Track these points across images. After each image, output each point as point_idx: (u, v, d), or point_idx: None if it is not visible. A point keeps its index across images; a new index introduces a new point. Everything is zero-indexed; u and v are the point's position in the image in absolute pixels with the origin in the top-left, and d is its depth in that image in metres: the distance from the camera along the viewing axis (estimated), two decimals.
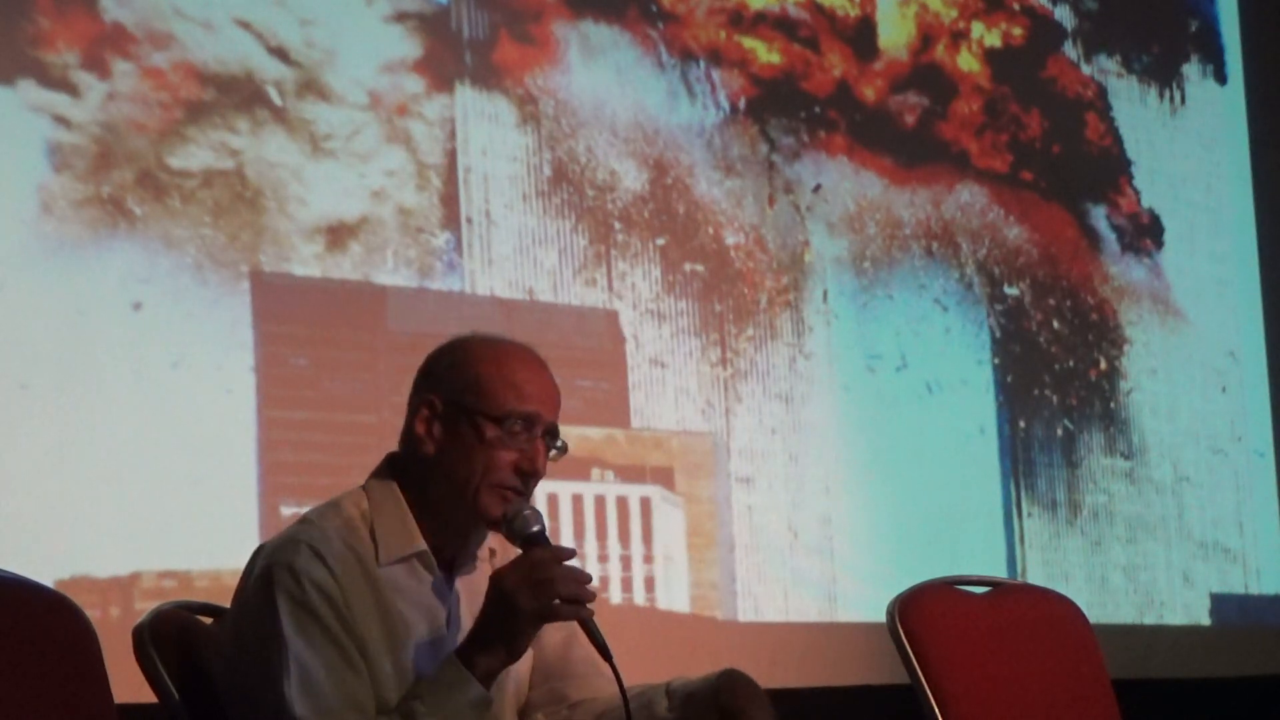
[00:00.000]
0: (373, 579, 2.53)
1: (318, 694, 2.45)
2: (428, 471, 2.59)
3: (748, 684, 2.57)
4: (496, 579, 2.47)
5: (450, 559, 2.63)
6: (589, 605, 2.49)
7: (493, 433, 2.56)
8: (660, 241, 5.07)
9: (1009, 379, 5.73)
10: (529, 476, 2.58)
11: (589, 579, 2.49)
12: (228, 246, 4.33)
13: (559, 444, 2.62)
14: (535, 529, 2.54)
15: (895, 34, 5.68)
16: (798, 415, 5.26)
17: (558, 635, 2.71)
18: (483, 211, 4.76)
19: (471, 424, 2.56)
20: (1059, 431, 5.83)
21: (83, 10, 4.21)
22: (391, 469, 2.63)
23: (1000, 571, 5.53)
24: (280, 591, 2.48)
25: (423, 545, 2.58)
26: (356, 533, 2.56)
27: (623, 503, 4.89)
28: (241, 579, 2.58)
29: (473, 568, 2.64)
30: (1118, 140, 6.15)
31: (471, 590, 2.58)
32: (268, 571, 2.51)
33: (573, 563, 2.50)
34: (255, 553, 2.58)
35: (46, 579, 3.03)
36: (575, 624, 2.55)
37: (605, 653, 2.51)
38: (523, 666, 2.68)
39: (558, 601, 2.46)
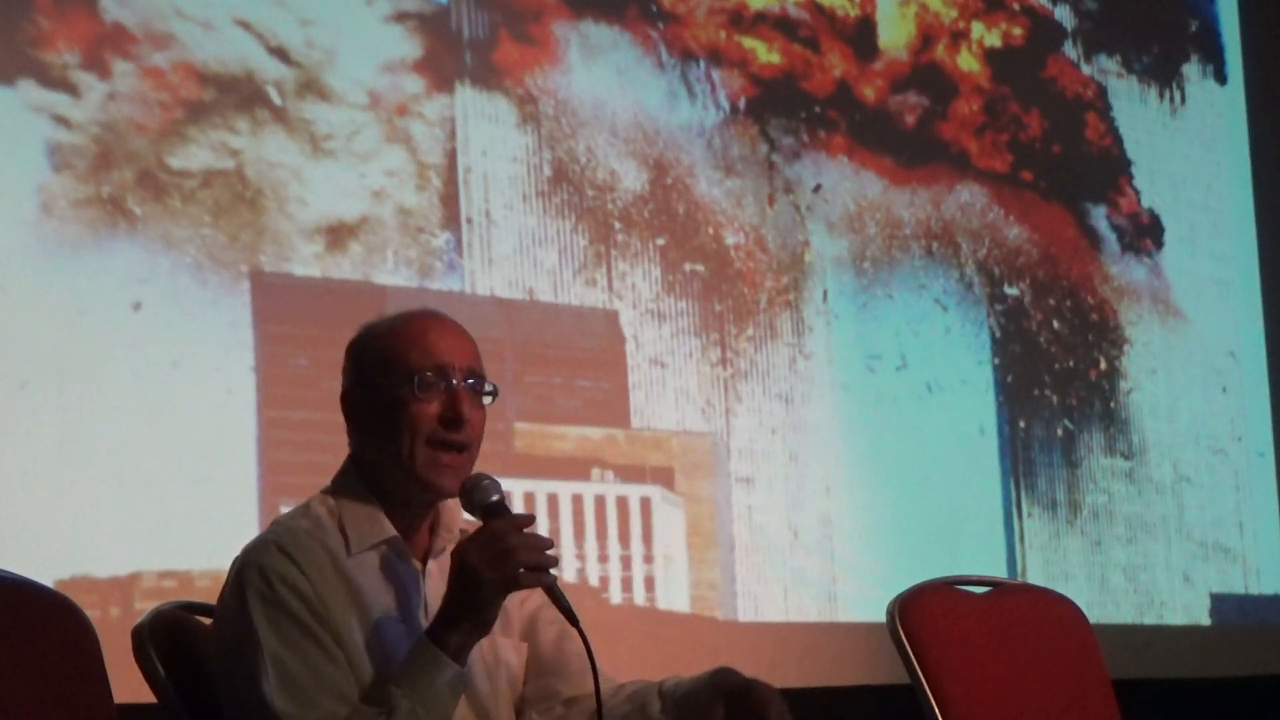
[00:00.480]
0: (343, 571, 2.55)
1: (297, 688, 2.46)
2: (371, 456, 2.61)
3: (737, 674, 2.58)
4: (459, 553, 2.48)
5: (422, 545, 2.64)
6: (552, 571, 2.49)
7: (406, 392, 2.57)
8: (660, 241, 5.07)
9: (1009, 379, 5.73)
10: (455, 423, 2.57)
11: (550, 544, 2.50)
12: (228, 246, 4.33)
13: (488, 388, 2.62)
14: (494, 499, 2.54)
15: (895, 34, 5.68)
16: (798, 415, 5.26)
17: (551, 631, 2.71)
18: (483, 211, 4.76)
19: (386, 394, 2.58)
20: (1059, 431, 5.83)
21: (83, 10, 4.21)
22: (354, 466, 2.65)
23: (1000, 571, 5.53)
24: (251, 592, 2.51)
25: (392, 531, 2.60)
26: (325, 528, 2.58)
27: (623, 503, 4.89)
28: (223, 586, 2.60)
29: (442, 550, 2.64)
30: (1118, 140, 6.15)
31: (444, 573, 2.58)
32: (239, 574, 2.54)
33: (533, 529, 2.51)
34: (234, 560, 2.60)
35: (46, 579, 3.03)
36: (570, 623, 2.54)
37: (572, 618, 2.52)
38: (516, 661, 2.69)
39: (521, 570, 2.46)
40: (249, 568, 2.53)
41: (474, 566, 2.45)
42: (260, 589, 2.50)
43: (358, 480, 2.63)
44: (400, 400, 2.57)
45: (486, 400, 2.63)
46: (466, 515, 2.66)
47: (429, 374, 2.57)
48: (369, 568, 2.58)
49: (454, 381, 2.59)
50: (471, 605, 2.47)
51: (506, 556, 2.45)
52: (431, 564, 2.63)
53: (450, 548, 2.62)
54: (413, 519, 2.63)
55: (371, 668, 2.52)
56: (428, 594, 2.60)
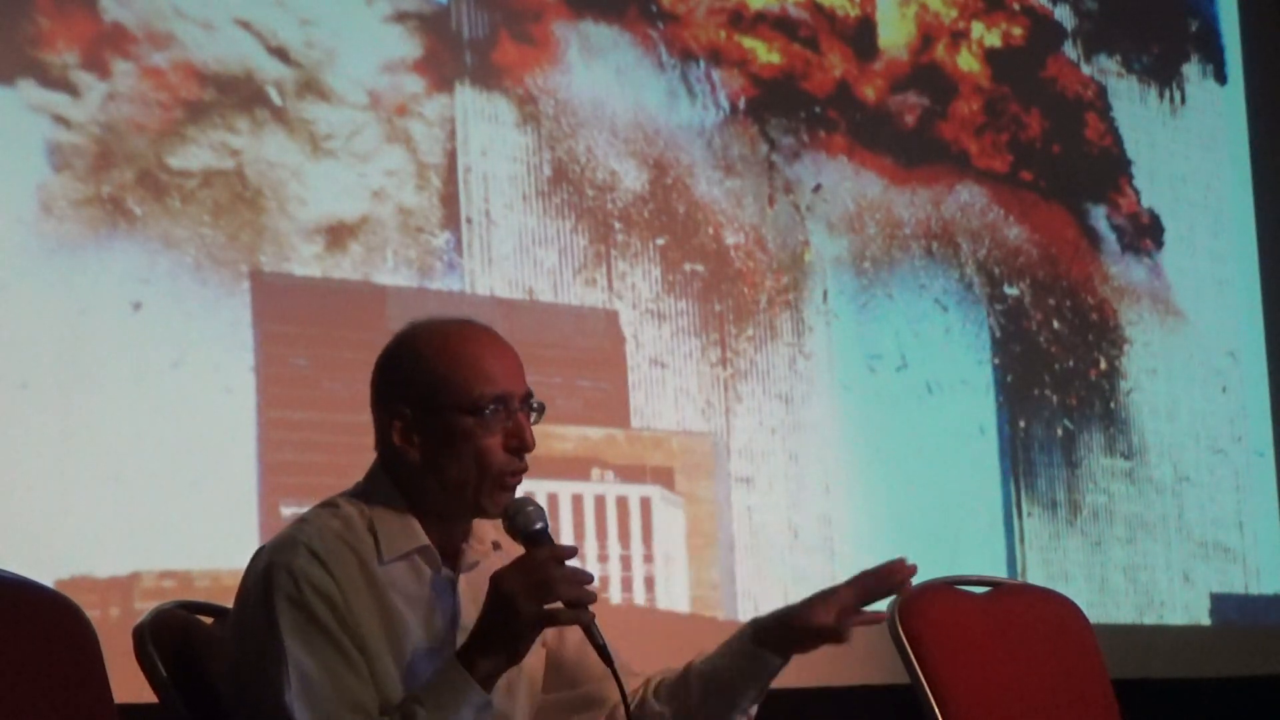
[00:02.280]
0: (373, 578, 2.51)
1: (318, 698, 2.43)
2: (419, 478, 2.55)
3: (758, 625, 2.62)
4: (496, 580, 2.43)
5: (453, 554, 2.60)
6: (590, 608, 2.45)
7: (472, 423, 2.52)
8: (660, 241, 5.07)
9: (1009, 379, 5.73)
10: (522, 452, 2.56)
11: (590, 579, 2.45)
12: (228, 246, 4.33)
13: (536, 405, 2.60)
14: (538, 526, 2.50)
15: (895, 34, 5.68)
16: (798, 415, 5.26)
17: (574, 636, 2.68)
18: (483, 211, 4.76)
19: (449, 422, 2.53)
20: (1059, 431, 5.83)
21: (83, 10, 4.20)
22: (386, 469, 2.60)
23: (1000, 571, 5.53)
24: (279, 594, 2.46)
25: (425, 540, 2.55)
26: (355, 532, 2.53)
27: (623, 503, 4.89)
28: (242, 581, 2.56)
29: (475, 562, 2.60)
30: (1118, 140, 6.15)
31: (474, 585, 2.55)
32: (266, 574, 2.48)
33: (574, 562, 2.46)
34: (256, 554, 2.56)
35: (46, 579, 3.02)
36: (604, 663, 2.50)
37: (606, 656, 2.48)
38: (535, 667, 2.66)
39: (559, 604, 2.42)
40: (277, 568, 2.47)
41: (511, 595, 2.41)
42: (289, 592, 2.45)
43: (391, 487, 2.57)
44: (464, 430, 2.52)
45: (533, 418, 2.60)
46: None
47: (494, 405, 2.54)
48: (399, 576, 2.53)
49: (516, 409, 2.56)
50: (505, 635, 2.42)
51: (545, 589, 2.41)
52: (462, 577, 2.59)
53: (482, 561, 2.59)
54: (448, 531, 2.59)
55: (396, 678, 2.49)
56: (456, 607, 2.56)
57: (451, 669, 2.44)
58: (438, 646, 2.52)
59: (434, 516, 2.57)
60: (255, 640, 2.48)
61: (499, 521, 2.59)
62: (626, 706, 2.53)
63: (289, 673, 2.43)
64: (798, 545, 5.20)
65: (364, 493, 2.59)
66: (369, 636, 2.48)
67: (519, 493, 2.60)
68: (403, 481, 2.57)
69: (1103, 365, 5.97)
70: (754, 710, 2.64)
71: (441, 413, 2.53)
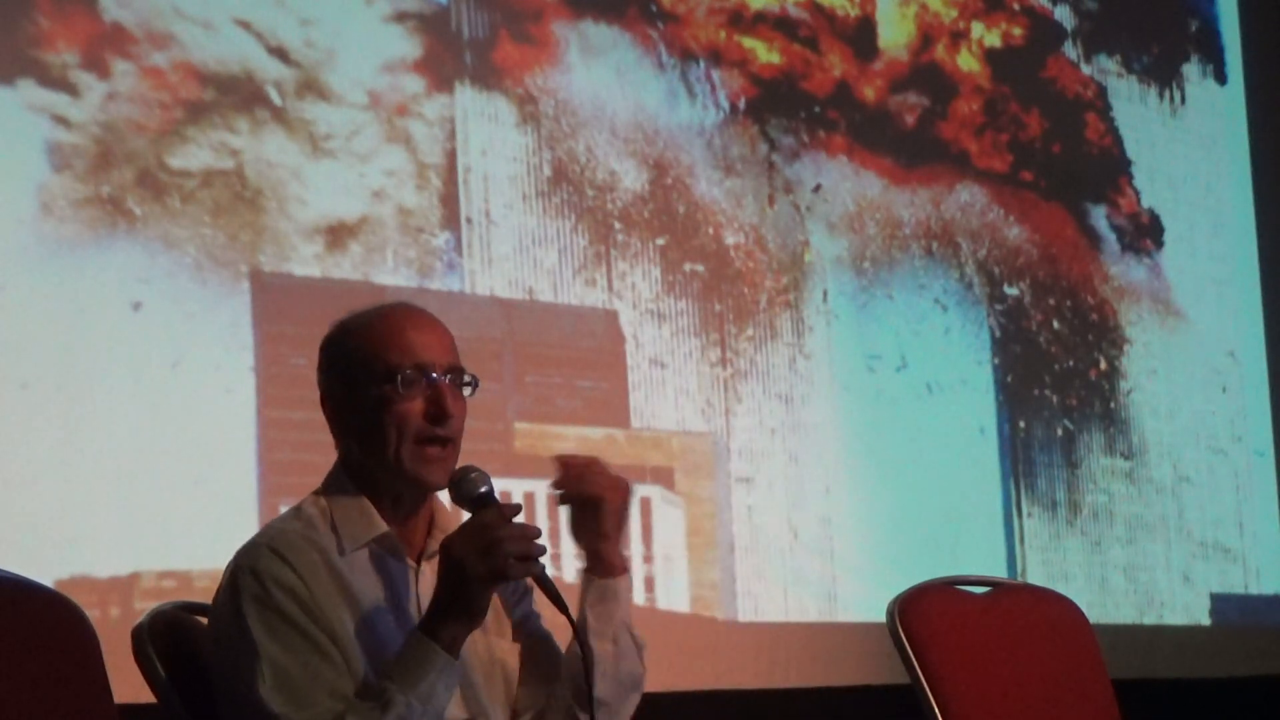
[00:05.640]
0: (336, 570, 2.55)
1: (294, 690, 2.46)
2: (358, 455, 2.61)
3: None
4: (446, 547, 2.48)
5: (417, 544, 2.64)
6: (539, 560, 2.48)
7: (389, 391, 2.56)
8: (660, 241, 5.07)
9: (1009, 379, 5.73)
10: (440, 419, 2.57)
11: (538, 533, 2.49)
12: (227, 246, 4.33)
13: (467, 379, 2.62)
14: (482, 490, 2.54)
15: (895, 34, 5.68)
16: (798, 415, 5.26)
17: (540, 635, 2.72)
18: (483, 211, 4.76)
19: (368, 393, 2.57)
20: (1059, 431, 5.83)
21: (83, 10, 4.21)
22: (341, 462, 2.65)
23: (1000, 571, 5.53)
24: (245, 596, 2.51)
25: (384, 528, 2.59)
26: (316, 528, 2.58)
27: None
28: (216, 592, 2.60)
29: (436, 552, 2.62)
30: (1118, 140, 6.15)
31: (436, 570, 2.58)
32: (232, 578, 2.54)
33: (520, 518, 2.50)
34: (227, 566, 2.59)
35: (46, 579, 3.03)
36: (559, 610, 2.54)
37: (561, 605, 2.52)
38: (511, 662, 2.69)
39: (509, 561, 2.45)
40: (242, 571, 2.53)
41: (461, 560, 2.45)
42: (255, 592, 2.50)
43: (347, 479, 2.62)
44: (383, 399, 2.57)
45: (467, 392, 2.63)
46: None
47: (410, 371, 2.57)
48: (361, 566, 2.58)
49: (435, 377, 2.59)
50: (461, 598, 2.47)
51: (494, 548, 2.45)
52: (425, 564, 2.63)
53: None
54: (405, 516, 2.63)
55: (366, 664, 2.52)
56: (421, 594, 2.60)
57: (415, 640, 2.48)
58: (403, 630, 2.55)
59: (389, 502, 2.61)
60: (229, 645, 2.52)
61: (461, 511, 2.62)
62: (585, 654, 2.55)
63: (262, 667, 2.47)
64: (797, 545, 5.20)
65: (324, 490, 2.64)
66: (338, 627, 2.52)
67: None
68: (354, 469, 2.62)
69: (1103, 365, 5.97)
70: (614, 643, 2.65)
71: (365, 386, 2.58)
